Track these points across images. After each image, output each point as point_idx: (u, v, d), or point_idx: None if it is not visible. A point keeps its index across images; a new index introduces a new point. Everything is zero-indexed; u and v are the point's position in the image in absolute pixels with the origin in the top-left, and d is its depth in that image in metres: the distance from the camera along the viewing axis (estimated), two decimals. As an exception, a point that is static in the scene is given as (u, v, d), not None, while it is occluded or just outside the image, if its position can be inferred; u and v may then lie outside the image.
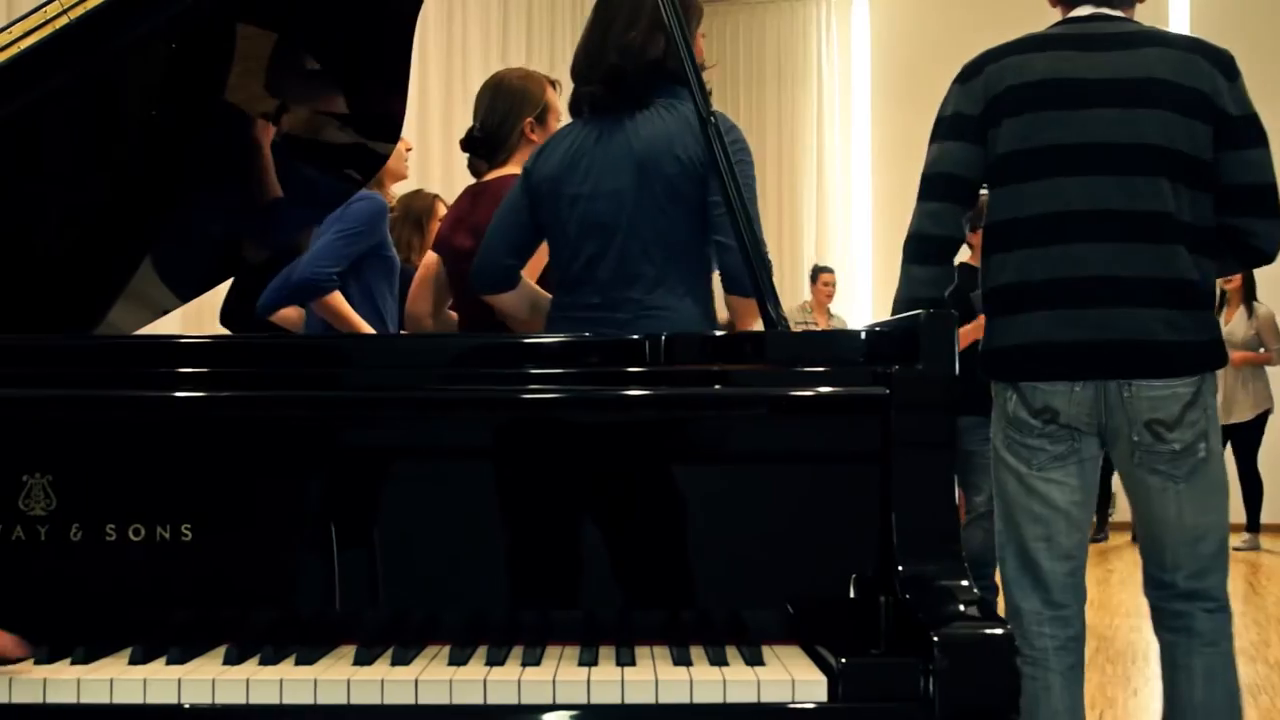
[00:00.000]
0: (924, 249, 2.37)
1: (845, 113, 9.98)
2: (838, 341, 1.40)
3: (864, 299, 9.45)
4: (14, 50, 1.73)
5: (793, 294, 9.56)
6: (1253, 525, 7.92)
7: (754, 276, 1.70)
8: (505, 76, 2.88)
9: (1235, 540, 7.79)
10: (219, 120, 2.16)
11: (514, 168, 2.75)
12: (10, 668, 1.21)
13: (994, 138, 2.32)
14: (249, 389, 1.37)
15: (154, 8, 1.83)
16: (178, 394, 1.36)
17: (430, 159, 6.74)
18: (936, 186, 2.37)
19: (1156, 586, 2.30)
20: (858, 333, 1.40)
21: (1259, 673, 4.51)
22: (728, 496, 1.36)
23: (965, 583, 1.27)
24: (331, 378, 1.40)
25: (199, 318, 4.70)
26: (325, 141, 2.41)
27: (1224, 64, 2.28)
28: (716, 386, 1.38)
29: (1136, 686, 4.38)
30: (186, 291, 2.54)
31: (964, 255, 7.44)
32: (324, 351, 1.46)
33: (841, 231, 9.72)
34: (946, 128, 2.38)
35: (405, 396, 1.37)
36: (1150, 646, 5.08)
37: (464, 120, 7.60)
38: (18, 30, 1.73)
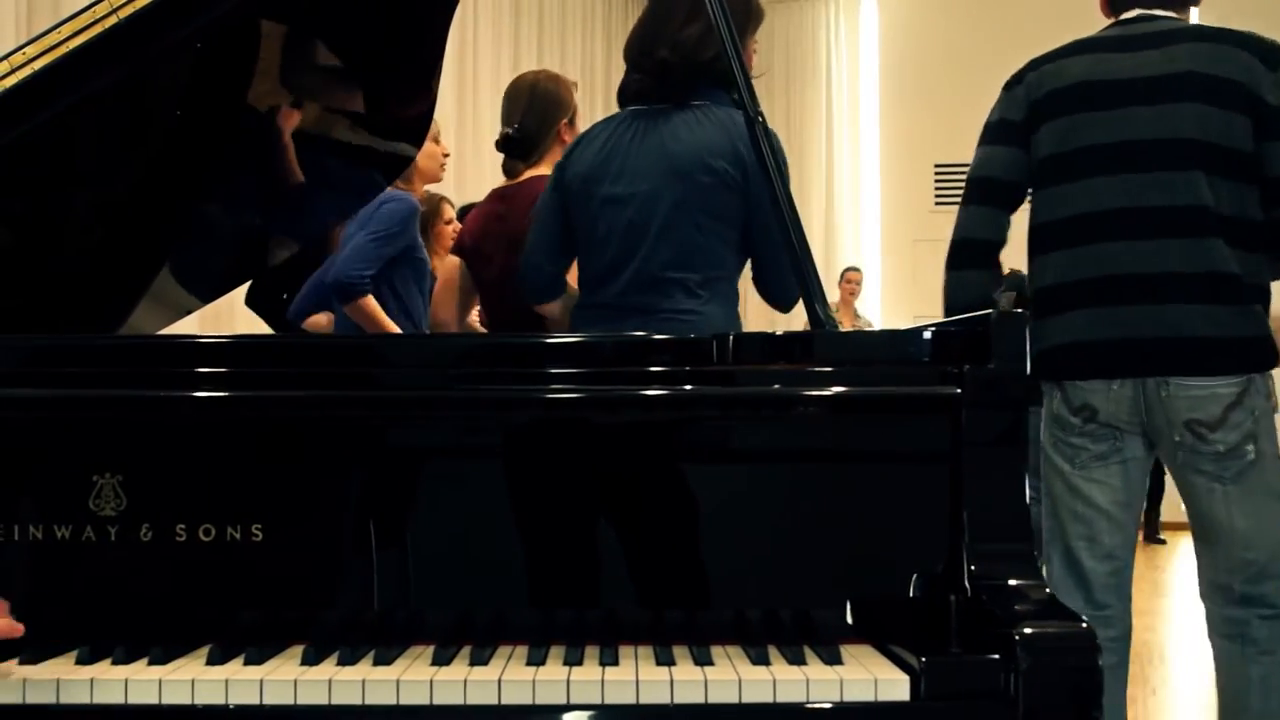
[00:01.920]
0: (968, 253, 2.39)
1: (854, 113, 9.98)
2: (904, 341, 1.40)
3: (873, 298, 9.45)
4: (51, 57, 1.74)
5: (801, 294, 9.56)
6: None
7: (802, 277, 1.70)
8: (539, 79, 2.89)
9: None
10: (244, 117, 2.16)
11: (544, 168, 2.76)
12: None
13: (1036, 143, 2.35)
14: (312, 389, 1.37)
15: (193, 12, 1.83)
16: (246, 394, 1.37)
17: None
18: (980, 191, 2.39)
19: (1212, 590, 2.29)
20: (924, 332, 1.40)
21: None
22: (796, 496, 1.36)
23: (1039, 581, 1.28)
24: (396, 378, 1.40)
25: (216, 319, 4.72)
26: (350, 140, 2.41)
27: (1266, 53, 2.26)
28: (784, 386, 1.38)
29: (1155, 686, 4.38)
30: (210, 291, 2.54)
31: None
32: (387, 350, 1.46)
33: (850, 231, 9.72)
34: (991, 133, 2.41)
35: (491, 396, 1.37)
36: (1167, 646, 5.09)
37: (474, 122, 7.61)
38: (50, 40, 1.73)
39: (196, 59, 1.94)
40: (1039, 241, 2.36)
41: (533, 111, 2.80)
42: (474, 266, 2.91)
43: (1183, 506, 2.34)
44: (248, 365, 1.39)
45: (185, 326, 2.45)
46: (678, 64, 2.26)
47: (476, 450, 1.39)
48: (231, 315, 5.21)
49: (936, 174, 9.00)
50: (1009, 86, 2.42)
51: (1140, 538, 6.61)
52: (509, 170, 2.88)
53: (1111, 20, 2.43)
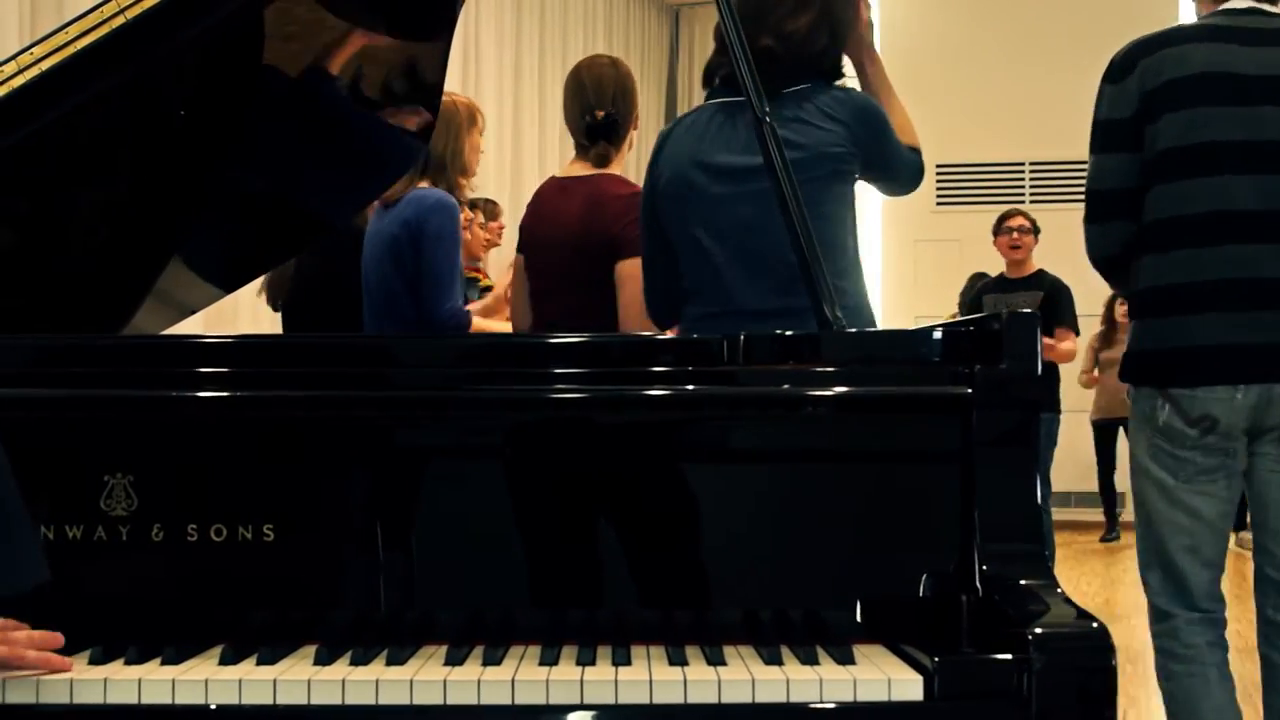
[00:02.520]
0: (1112, 268, 2.37)
1: (854, 113, 9.96)
2: (915, 341, 1.40)
3: (874, 298, 9.41)
4: (59, 58, 1.74)
5: (802, 295, 9.55)
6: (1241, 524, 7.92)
7: (810, 276, 1.70)
8: (617, 64, 2.83)
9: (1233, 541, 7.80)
10: (256, 92, 2.14)
11: (615, 165, 2.72)
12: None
13: (1152, 134, 2.25)
14: (324, 389, 1.38)
15: (201, 11, 1.83)
16: (257, 394, 1.37)
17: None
18: (1106, 205, 2.33)
19: (1272, 592, 2.27)
20: (934, 332, 1.40)
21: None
22: (808, 496, 1.37)
23: (1051, 581, 1.28)
24: (407, 378, 1.41)
25: (220, 320, 4.72)
26: (370, 94, 2.37)
27: None
28: (797, 387, 1.38)
29: (1154, 687, 4.37)
30: (230, 279, 2.53)
31: (983, 265, 7.38)
32: (400, 350, 1.46)
33: (851, 231, 9.71)
34: (1101, 138, 2.33)
35: (505, 397, 1.38)
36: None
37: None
38: (58, 40, 1.73)
39: (202, 50, 1.94)
40: (1155, 238, 2.26)
41: (622, 97, 2.72)
42: (530, 257, 2.82)
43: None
44: (258, 365, 1.39)
45: (189, 327, 2.45)
46: (784, 55, 2.13)
47: (489, 450, 1.39)
48: (235, 316, 5.23)
49: (938, 174, 8.98)
50: (1113, 78, 2.30)
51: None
52: (602, 156, 2.75)
53: (1209, 7, 2.33)
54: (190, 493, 1.35)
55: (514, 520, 1.36)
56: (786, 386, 1.38)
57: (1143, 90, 2.26)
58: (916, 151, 2.23)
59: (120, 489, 1.33)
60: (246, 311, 5.33)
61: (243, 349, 1.43)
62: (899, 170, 2.27)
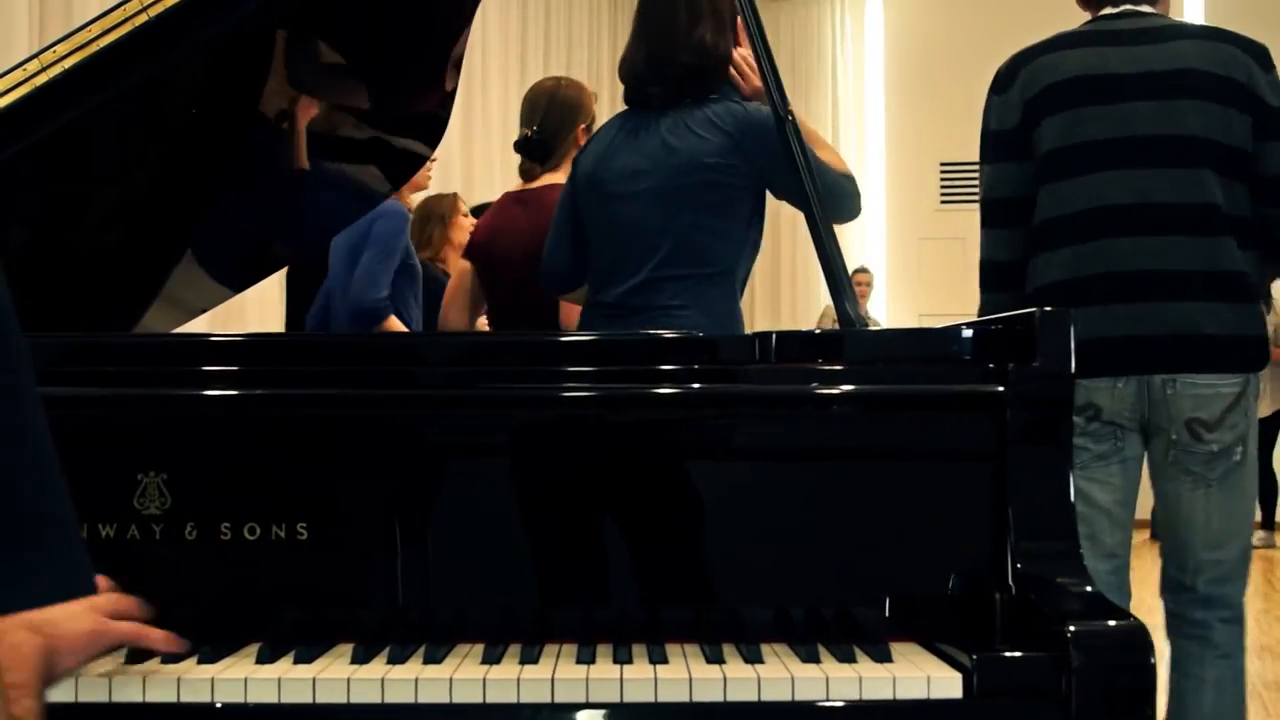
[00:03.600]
0: (999, 275, 2.40)
1: (859, 112, 9.97)
2: (947, 339, 1.40)
3: (879, 296, 9.44)
4: (76, 59, 1.74)
5: (808, 294, 9.57)
6: (1268, 523, 7.93)
7: (831, 274, 1.70)
8: (560, 85, 2.94)
9: (1254, 538, 7.81)
10: (257, 119, 2.16)
11: (560, 175, 2.79)
12: (148, 666, 1.21)
13: (1036, 139, 2.32)
14: (357, 388, 1.38)
15: (219, 13, 1.83)
16: (291, 392, 1.37)
17: (451, 162, 6.74)
18: (997, 214, 2.39)
19: (1175, 590, 2.29)
20: (966, 329, 1.40)
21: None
22: (839, 494, 1.36)
23: (1085, 579, 1.28)
24: (441, 377, 1.41)
25: (227, 319, 4.72)
26: (358, 136, 2.41)
27: (1259, 54, 2.27)
28: (829, 385, 1.38)
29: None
30: (240, 279, 2.54)
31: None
32: (432, 350, 1.46)
33: (855, 230, 9.70)
34: (991, 147, 2.39)
35: (546, 395, 1.38)
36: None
37: (483, 125, 7.60)
38: (72, 43, 1.73)
39: (213, 55, 1.94)
40: (1042, 238, 2.33)
41: (552, 115, 2.85)
42: (484, 270, 2.92)
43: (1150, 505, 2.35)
44: (293, 364, 1.39)
45: (195, 327, 2.46)
46: (703, 66, 2.26)
47: (527, 448, 1.39)
48: (242, 315, 5.23)
49: (942, 172, 8.99)
50: (998, 88, 2.38)
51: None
52: (526, 173, 2.92)
53: (1091, 15, 2.40)
54: (223, 491, 1.34)
55: (550, 518, 1.36)
56: (819, 384, 1.37)
57: (1024, 98, 2.33)
58: (848, 177, 2.26)
59: (153, 488, 1.33)
60: (254, 310, 5.34)
61: (277, 347, 1.43)
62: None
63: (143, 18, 1.76)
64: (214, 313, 2.65)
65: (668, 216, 2.22)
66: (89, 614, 1.00)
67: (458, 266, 3.21)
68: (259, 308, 5.32)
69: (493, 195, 6.10)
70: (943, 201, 9.26)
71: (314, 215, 2.46)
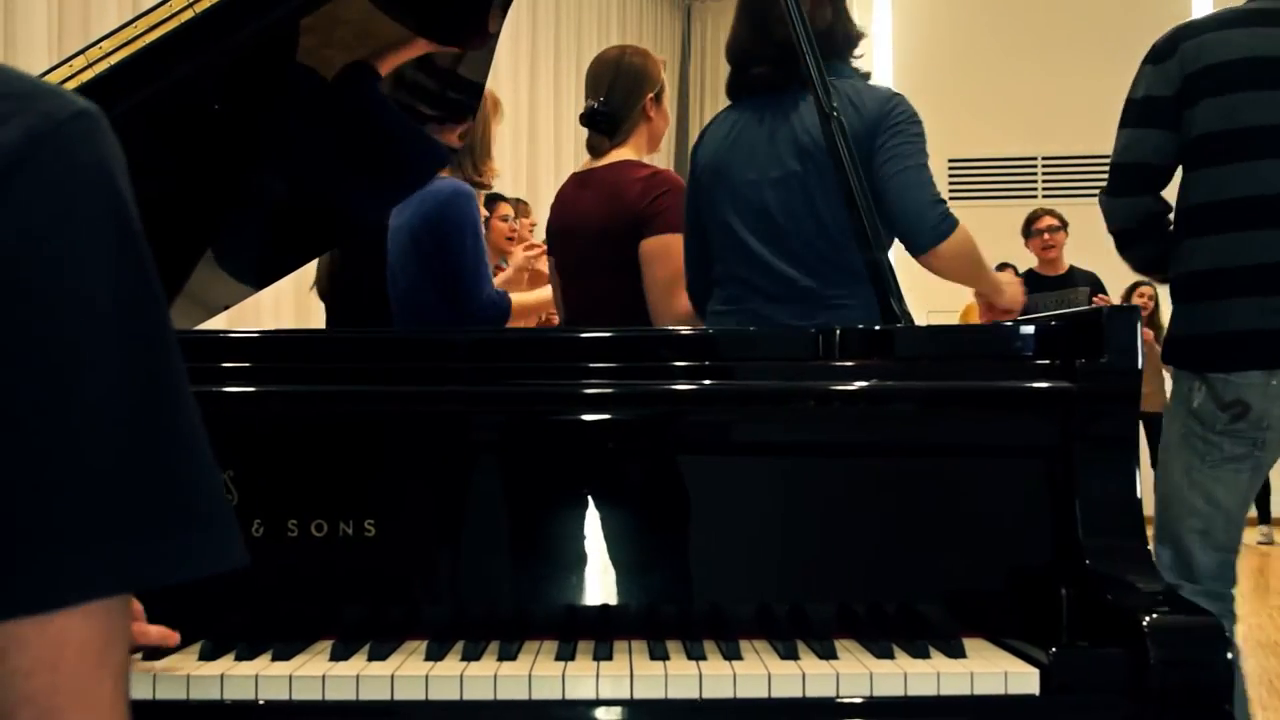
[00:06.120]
0: (1133, 238, 2.37)
1: (866, 109, 9.95)
2: (1011, 336, 1.40)
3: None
4: (127, 51, 1.74)
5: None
6: (1264, 518, 7.94)
7: (876, 269, 1.70)
8: (625, 53, 2.81)
9: (1255, 534, 7.82)
10: (291, 92, 2.14)
11: (629, 151, 2.71)
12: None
13: (1189, 118, 2.27)
14: (425, 384, 1.38)
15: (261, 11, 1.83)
16: (358, 389, 1.37)
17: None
18: (1131, 178, 2.34)
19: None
20: (1027, 326, 1.40)
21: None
22: (906, 490, 1.37)
23: (1156, 575, 1.28)
24: (521, 371, 1.40)
25: (242, 319, 4.71)
26: (410, 98, 2.38)
27: None
28: (897, 381, 1.38)
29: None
30: (254, 281, 2.53)
31: (996, 260, 7.37)
32: (511, 346, 1.46)
33: (863, 227, 9.71)
34: (1138, 112, 2.33)
35: (631, 391, 1.37)
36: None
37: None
38: (126, 34, 1.73)
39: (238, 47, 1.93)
40: (1192, 223, 2.27)
41: (619, 86, 2.72)
42: (554, 250, 2.84)
43: None
44: (360, 361, 1.39)
45: (211, 324, 2.46)
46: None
47: (599, 448, 1.39)
48: (257, 314, 5.22)
49: (950, 169, 8.98)
50: (1156, 59, 2.32)
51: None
52: (594, 147, 2.78)
53: None
54: (291, 488, 1.34)
55: (619, 517, 1.36)
56: (885, 380, 1.37)
57: (1184, 73, 2.28)
58: (936, 201, 2.21)
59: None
60: (270, 310, 5.34)
61: (345, 345, 1.43)
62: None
63: (189, 14, 1.76)
64: (229, 313, 2.63)
65: (812, 200, 2.18)
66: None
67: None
68: (274, 306, 5.33)
69: (502, 188, 6.08)
70: (951, 198, 9.21)
71: (365, 189, 2.38)
